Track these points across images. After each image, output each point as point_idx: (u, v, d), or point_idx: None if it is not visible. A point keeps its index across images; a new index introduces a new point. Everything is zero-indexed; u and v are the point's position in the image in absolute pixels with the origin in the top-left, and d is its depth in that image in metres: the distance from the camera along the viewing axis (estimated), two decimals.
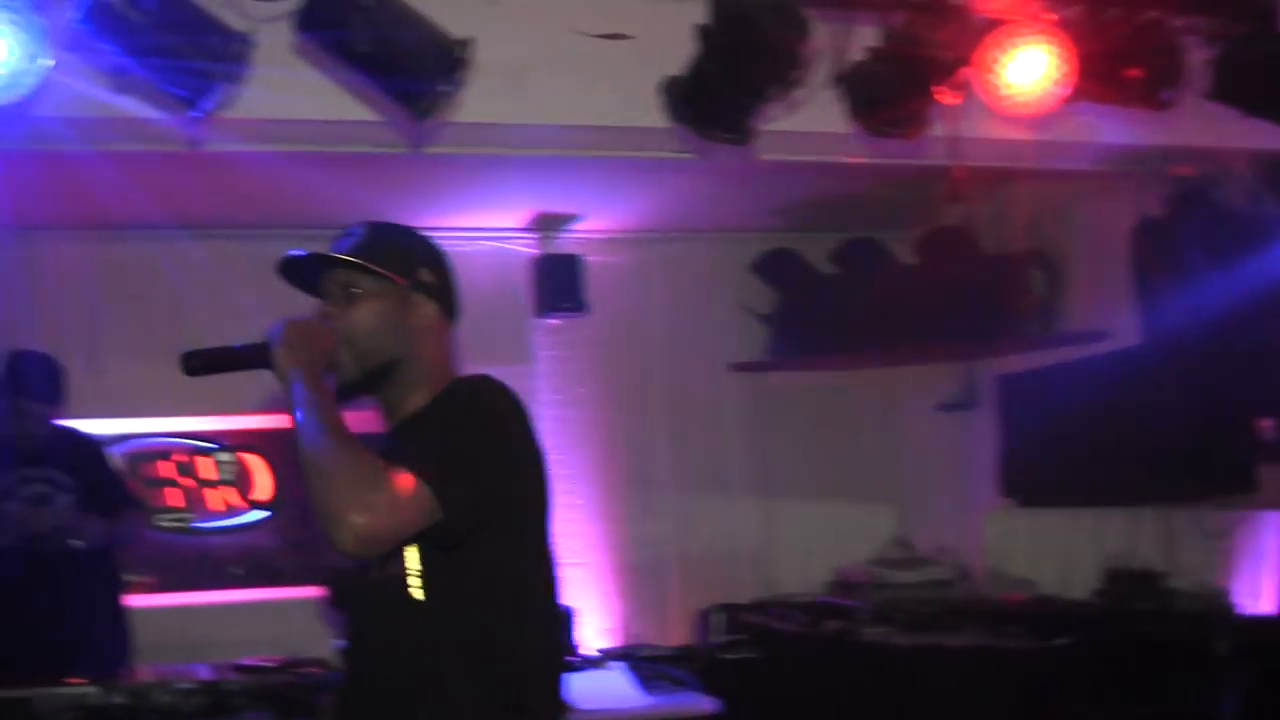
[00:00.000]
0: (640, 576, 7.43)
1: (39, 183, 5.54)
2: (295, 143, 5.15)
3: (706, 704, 5.44)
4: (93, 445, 6.11)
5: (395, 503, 2.65)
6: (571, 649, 3.20)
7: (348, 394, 3.03)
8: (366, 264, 3.00)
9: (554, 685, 2.98)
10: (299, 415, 2.84)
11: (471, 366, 6.86)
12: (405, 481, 2.66)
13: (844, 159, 5.53)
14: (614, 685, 5.59)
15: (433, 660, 2.84)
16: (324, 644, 5.88)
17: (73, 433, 5.91)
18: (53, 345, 6.08)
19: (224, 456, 7.18)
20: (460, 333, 6.95)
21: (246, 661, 5.70)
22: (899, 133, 4.59)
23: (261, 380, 6.63)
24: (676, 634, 7.24)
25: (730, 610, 6.92)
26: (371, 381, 3.05)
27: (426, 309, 3.11)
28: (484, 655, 2.84)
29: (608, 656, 6.14)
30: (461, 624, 2.84)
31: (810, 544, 7.60)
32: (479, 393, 3.02)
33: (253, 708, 5.39)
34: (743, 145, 4.37)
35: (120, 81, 4.52)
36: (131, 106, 4.64)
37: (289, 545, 7.24)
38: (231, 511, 7.18)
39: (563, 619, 3.24)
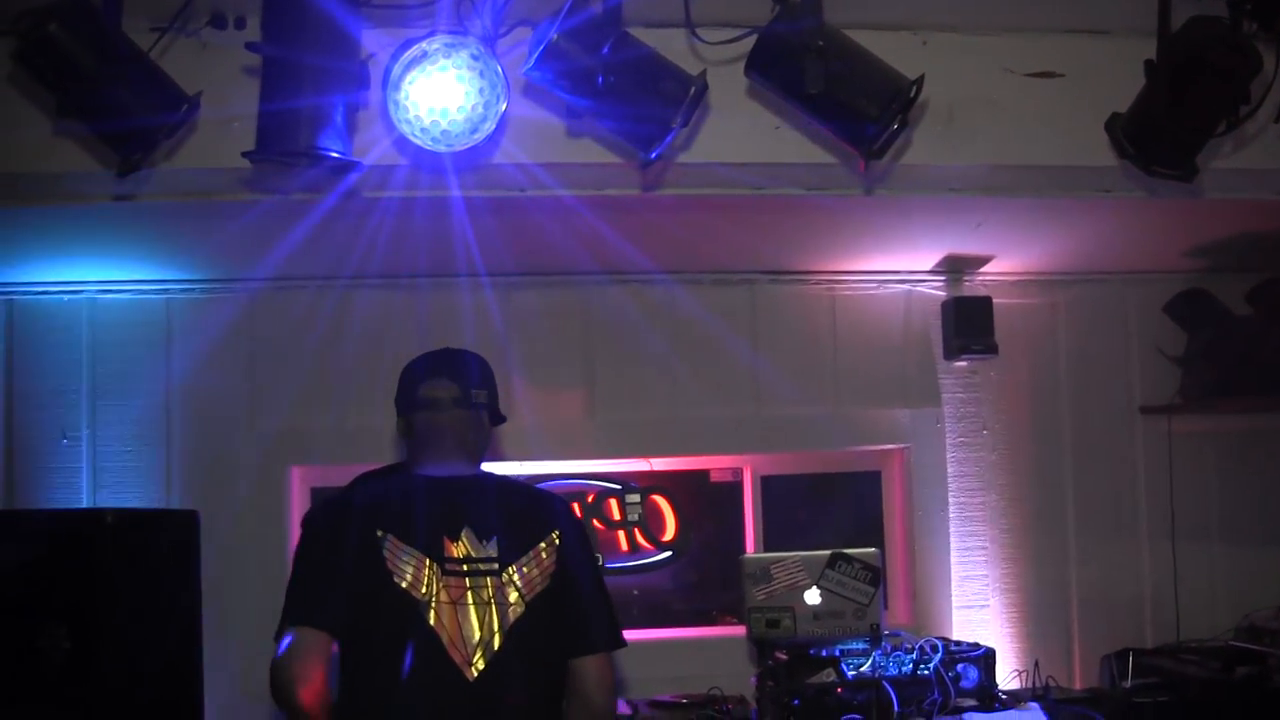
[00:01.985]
0: (1045, 618, 7.38)
1: (491, 230, 5.81)
2: (738, 187, 5.28)
3: None
4: None
5: None
6: None
7: None
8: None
9: None
10: None
11: (881, 409, 7.06)
12: None
13: None
14: None
15: None
16: (734, 682, 6.07)
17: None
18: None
19: (631, 498, 7.36)
20: (871, 375, 7.13)
21: (662, 698, 5.87)
22: None
23: (670, 426, 6.93)
24: (1081, 677, 7.20)
25: (1136, 654, 6.84)
26: None
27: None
28: None
29: (1020, 697, 6.15)
30: None
31: (1216, 589, 7.45)
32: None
33: None
34: (1189, 182, 4.34)
35: (574, 127, 4.76)
36: (585, 153, 4.89)
37: (685, 586, 7.44)
38: (638, 552, 7.35)
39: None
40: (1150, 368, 7.54)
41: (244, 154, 4.10)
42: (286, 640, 3.44)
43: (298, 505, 7.15)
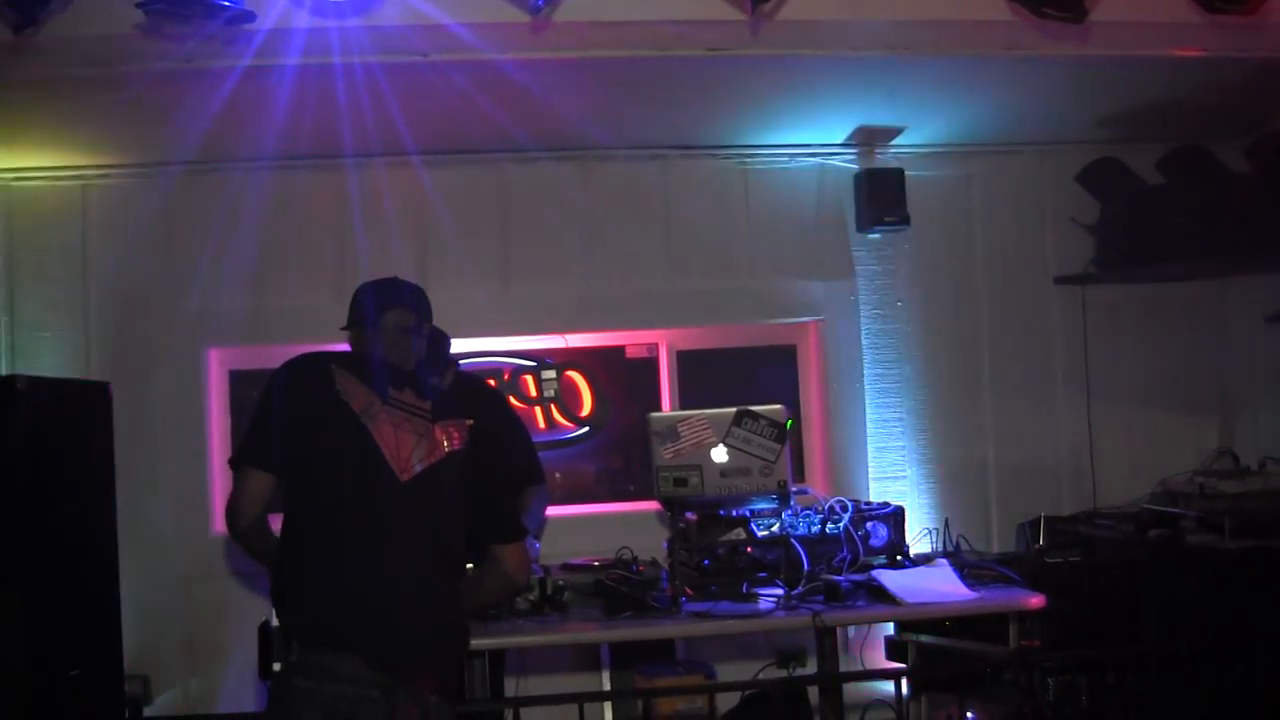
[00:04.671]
0: (961, 486, 7.48)
1: (394, 102, 5.77)
2: (631, 47, 5.29)
3: (1034, 600, 5.45)
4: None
5: None
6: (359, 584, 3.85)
7: None
8: None
9: (295, 606, 3.90)
10: None
11: (796, 282, 7.05)
12: None
13: (1180, 51, 5.47)
14: (940, 580, 5.65)
15: None
16: (649, 552, 6.11)
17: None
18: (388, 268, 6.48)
19: (547, 374, 7.40)
20: (785, 248, 7.13)
21: (575, 561, 5.90)
22: (1239, 7, 4.52)
23: (584, 301, 6.92)
24: (999, 545, 7.29)
25: (1051, 520, 6.94)
26: None
27: None
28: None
29: (930, 556, 6.22)
30: None
31: (1132, 456, 7.54)
32: None
33: (582, 603, 5.61)
34: (1079, 23, 4.36)
35: None
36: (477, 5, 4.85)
37: (602, 463, 7.48)
38: (555, 429, 7.39)
39: (330, 554, 3.89)
40: (1064, 238, 7.59)
41: (137, 4, 4.20)
42: (235, 478, 4.02)
43: (215, 386, 7.23)
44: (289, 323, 6.99)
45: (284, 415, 4.01)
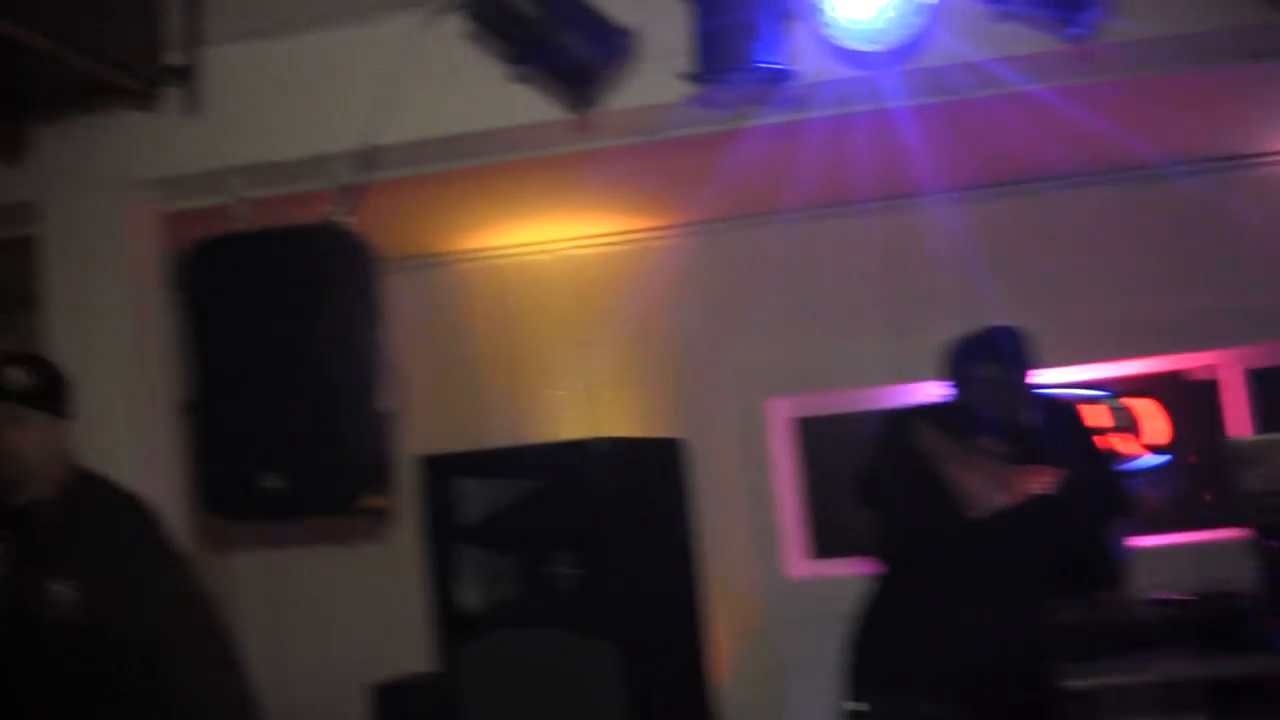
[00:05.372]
0: None
1: (938, 139, 5.72)
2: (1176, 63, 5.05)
3: None
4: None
5: None
6: None
7: None
8: None
9: (873, 648, 4.26)
10: None
11: None
12: None
13: None
14: None
15: None
16: (1240, 583, 5.80)
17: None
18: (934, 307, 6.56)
19: (1116, 402, 7.19)
20: None
21: (1162, 595, 5.67)
22: None
23: (1132, 325, 6.69)
24: None
25: None
26: None
27: None
28: None
29: None
30: None
31: None
32: None
33: (1173, 638, 5.39)
34: None
35: (999, 13, 4.53)
36: (1012, 38, 4.68)
37: (1180, 489, 7.19)
38: (1127, 459, 7.14)
39: (908, 598, 4.20)
40: None
41: (684, 75, 4.32)
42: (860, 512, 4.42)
43: (779, 433, 7.45)
44: (843, 368, 7.18)
45: (875, 469, 4.35)
